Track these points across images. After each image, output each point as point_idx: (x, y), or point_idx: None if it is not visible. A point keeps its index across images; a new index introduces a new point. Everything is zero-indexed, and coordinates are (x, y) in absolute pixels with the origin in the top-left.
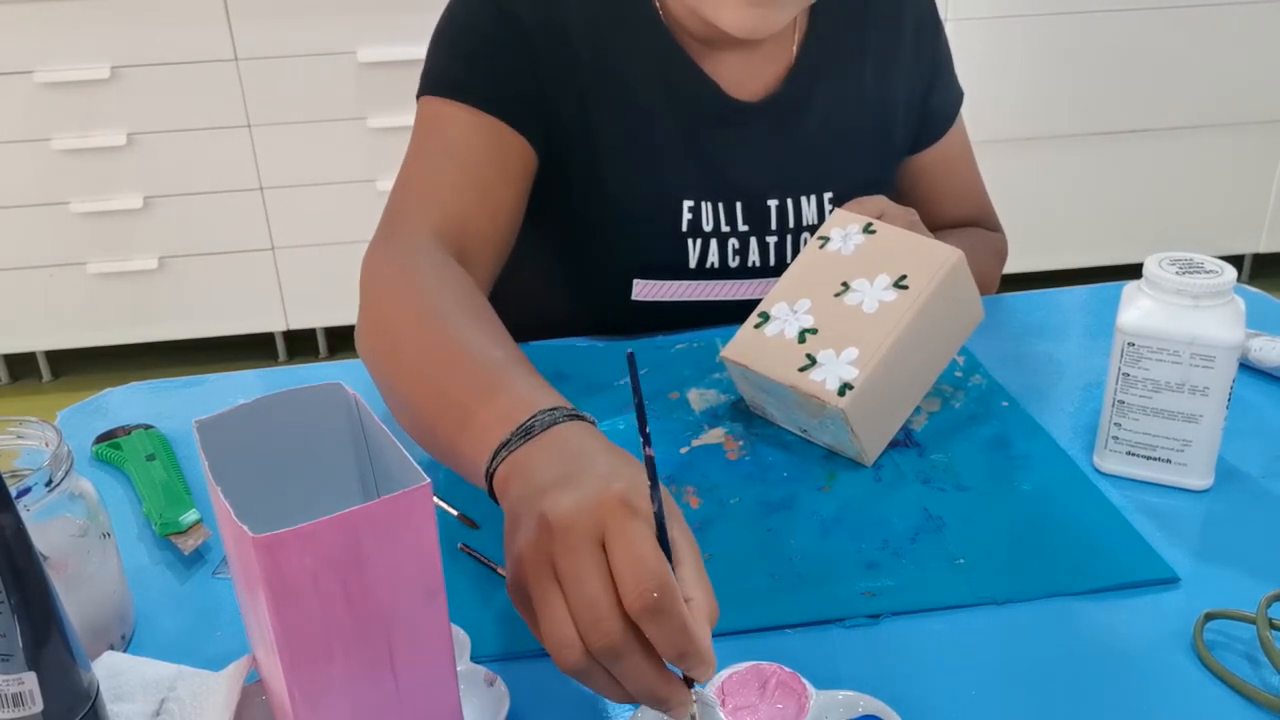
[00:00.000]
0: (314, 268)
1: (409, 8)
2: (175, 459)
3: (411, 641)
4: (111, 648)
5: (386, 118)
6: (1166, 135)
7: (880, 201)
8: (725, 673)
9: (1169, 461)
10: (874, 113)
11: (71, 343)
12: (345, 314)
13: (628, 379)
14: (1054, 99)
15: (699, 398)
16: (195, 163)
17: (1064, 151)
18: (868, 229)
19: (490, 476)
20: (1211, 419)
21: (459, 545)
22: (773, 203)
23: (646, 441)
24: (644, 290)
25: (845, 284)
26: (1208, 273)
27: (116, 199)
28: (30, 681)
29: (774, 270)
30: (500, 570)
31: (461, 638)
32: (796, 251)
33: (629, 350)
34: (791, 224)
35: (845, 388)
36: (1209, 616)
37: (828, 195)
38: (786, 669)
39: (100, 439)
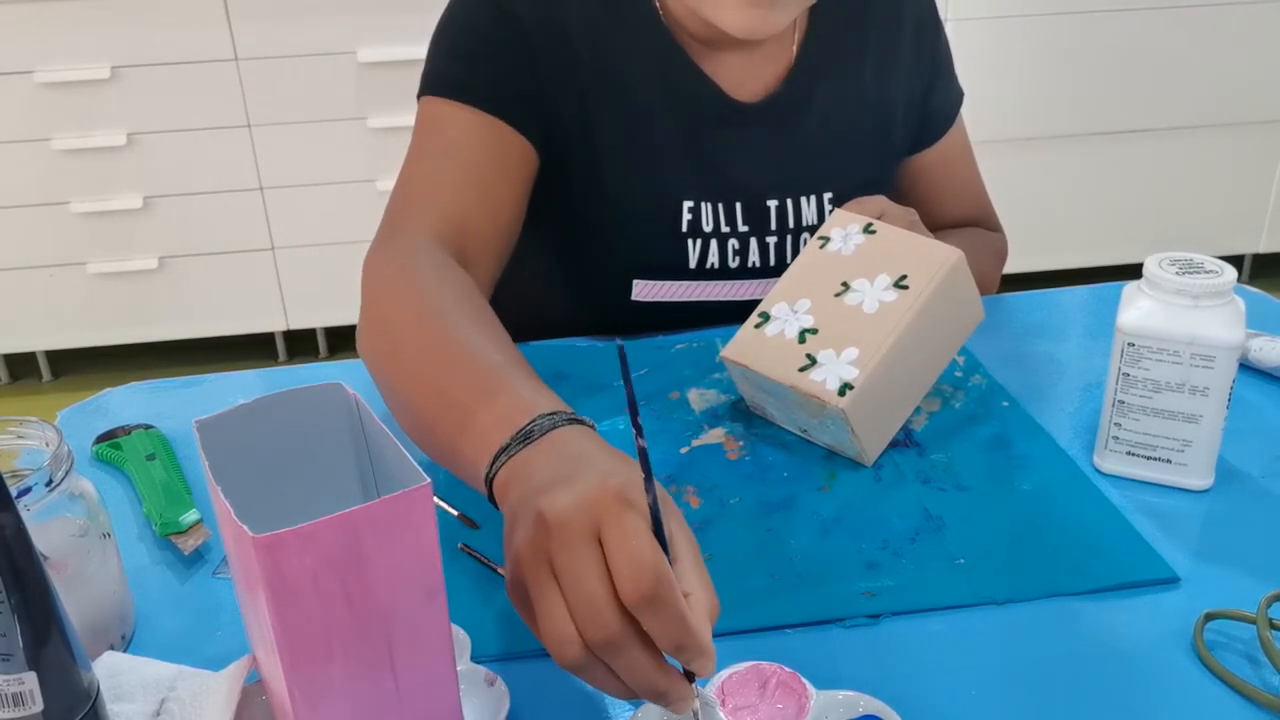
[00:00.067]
0: (314, 268)
1: (409, 8)
2: (175, 459)
3: (411, 641)
4: (111, 648)
5: (386, 118)
6: (1166, 135)
7: (880, 201)
8: (725, 673)
9: (1169, 461)
10: (874, 113)
11: (71, 343)
12: (345, 314)
13: None
14: (1054, 99)
15: (699, 398)
16: (195, 163)
17: (1064, 151)
18: (868, 229)
19: (490, 481)
20: (1211, 419)
21: (459, 545)
22: (772, 203)
23: (639, 432)
24: (644, 290)
25: (845, 284)
26: (1208, 273)
27: (116, 199)
28: (30, 681)
29: (774, 270)
30: (500, 570)
31: (461, 638)
32: (796, 252)
33: (619, 344)
34: (791, 224)
35: (845, 388)
36: (1209, 616)
37: (828, 195)
38: (786, 669)
39: (100, 439)
